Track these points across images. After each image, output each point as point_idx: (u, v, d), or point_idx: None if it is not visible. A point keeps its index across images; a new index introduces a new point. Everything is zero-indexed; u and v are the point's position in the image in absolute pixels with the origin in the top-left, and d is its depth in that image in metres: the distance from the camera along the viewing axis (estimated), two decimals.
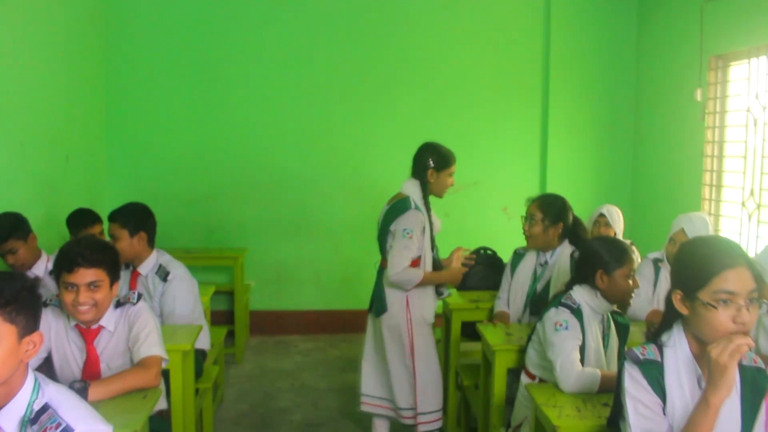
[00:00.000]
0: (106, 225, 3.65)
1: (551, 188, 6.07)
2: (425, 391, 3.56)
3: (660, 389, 1.81)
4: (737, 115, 4.83)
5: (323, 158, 5.98)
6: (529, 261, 3.47)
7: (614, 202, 5.14)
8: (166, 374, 2.76)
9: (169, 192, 5.81)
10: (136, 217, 3.36)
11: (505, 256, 4.50)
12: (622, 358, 1.90)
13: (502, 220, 6.11)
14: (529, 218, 3.38)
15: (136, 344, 2.45)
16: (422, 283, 3.45)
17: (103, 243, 2.64)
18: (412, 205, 3.46)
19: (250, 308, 5.94)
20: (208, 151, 5.87)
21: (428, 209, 3.54)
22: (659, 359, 1.83)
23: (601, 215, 4.21)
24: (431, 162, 3.53)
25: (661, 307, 3.34)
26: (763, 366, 1.87)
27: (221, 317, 5.86)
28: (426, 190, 3.54)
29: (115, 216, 3.34)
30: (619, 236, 4.19)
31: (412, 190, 3.54)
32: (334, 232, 6.05)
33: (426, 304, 3.57)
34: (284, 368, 5.24)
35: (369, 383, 3.73)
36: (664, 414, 1.80)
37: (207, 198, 5.89)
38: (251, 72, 5.86)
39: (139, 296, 2.57)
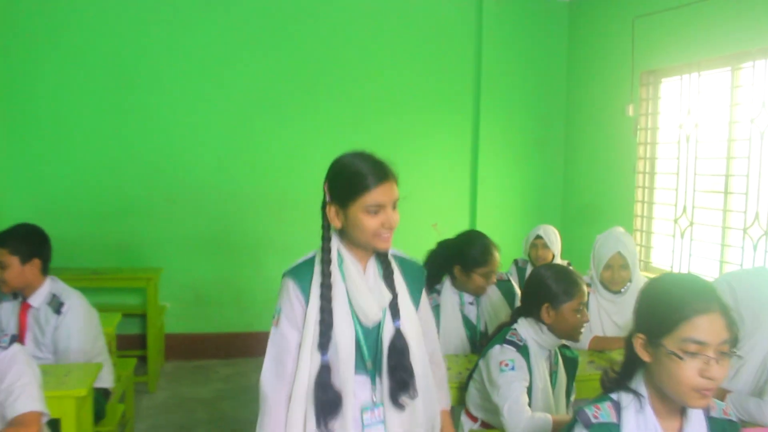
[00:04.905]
0: None
1: (481, 204, 5.96)
2: None
3: None
4: (669, 131, 4.79)
5: (244, 171, 5.62)
6: None
7: (545, 219, 5.04)
8: (56, 423, 2.39)
9: (76, 207, 5.34)
10: (29, 242, 2.96)
11: None
12: (574, 414, 1.66)
13: (432, 236, 5.89)
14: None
15: (10, 398, 2.04)
16: None
17: None
18: None
19: (165, 331, 5.54)
20: (120, 162, 5.41)
21: None
22: (615, 421, 1.60)
23: (538, 237, 4.04)
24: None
25: (599, 332, 3.24)
26: (734, 418, 1.67)
27: (134, 342, 5.43)
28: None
29: (4, 240, 2.93)
30: (557, 258, 4.04)
31: None
32: (256, 250, 5.70)
33: None
34: (202, 397, 4.87)
35: None
36: None
37: (118, 213, 5.43)
38: (167, 77, 5.44)
39: (13, 339, 2.15)
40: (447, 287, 3.19)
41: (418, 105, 5.89)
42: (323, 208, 1.95)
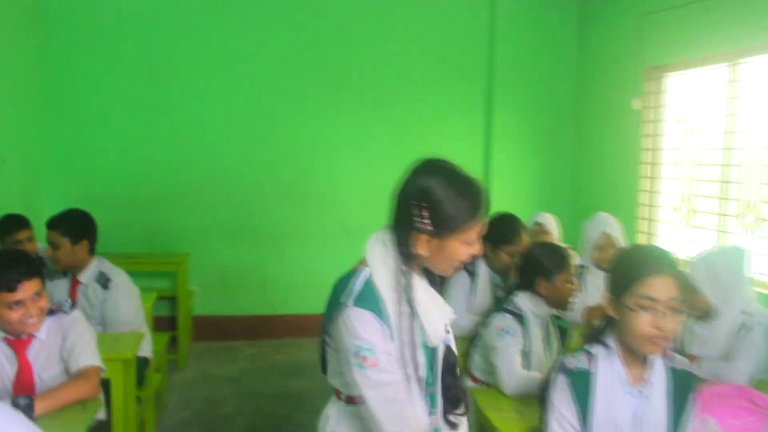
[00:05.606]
0: (39, 230, 3.53)
1: (494, 194, 6.18)
2: None
3: (583, 399, 1.87)
4: (672, 123, 5.00)
5: (268, 162, 5.94)
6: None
7: (555, 208, 5.26)
8: (106, 384, 2.71)
9: (111, 195, 5.68)
10: (78, 225, 3.29)
11: None
12: (555, 362, 1.96)
13: None
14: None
15: (73, 354, 2.40)
16: None
17: (25, 252, 2.58)
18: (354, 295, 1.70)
19: (193, 314, 5.87)
20: (151, 153, 5.76)
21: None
22: (588, 367, 1.89)
23: (537, 224, 4.31)
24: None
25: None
26: (691, 370, 1.95)
27: (164, 323, 5.74)
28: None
29: (56, 223, 3.26)
30: (556, 242, 4.28)
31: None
32: (280, 237, 6.01)
33: None
34: (228, 374, 5.19)
35: None
36: (585, 422, 1.86)
37: (150, 202, 5.78)
38: (196, 73, 5.77)
39: (73, 304, 2.51)
40: (482, 264, 3.36)
41: (432, 96, 6.14)
42: (406, 234, 1.67)
